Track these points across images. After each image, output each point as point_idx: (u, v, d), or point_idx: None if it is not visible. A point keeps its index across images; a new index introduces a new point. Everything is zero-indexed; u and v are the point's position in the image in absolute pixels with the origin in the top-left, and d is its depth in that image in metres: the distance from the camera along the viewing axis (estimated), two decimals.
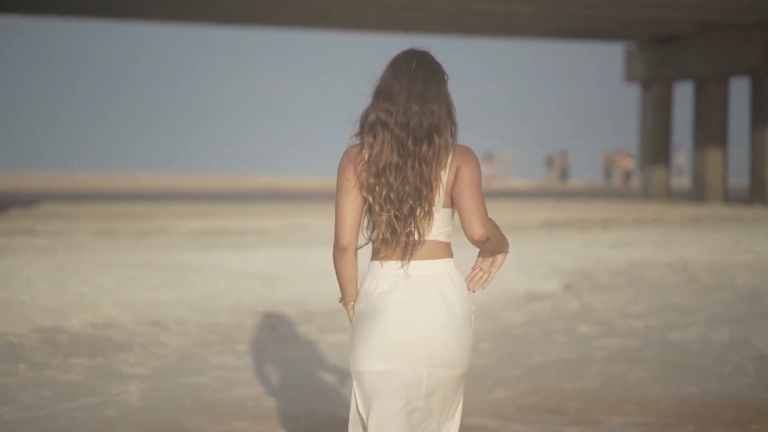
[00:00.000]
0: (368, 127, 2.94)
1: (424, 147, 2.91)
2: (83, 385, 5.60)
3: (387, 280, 2.94)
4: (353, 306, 3.01)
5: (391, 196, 2.90)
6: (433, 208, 2.93)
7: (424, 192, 2.91)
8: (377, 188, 2.91)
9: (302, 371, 6.13)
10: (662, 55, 25.84)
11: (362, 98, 3.00)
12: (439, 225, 2.96)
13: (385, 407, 2.89)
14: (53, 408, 5.12)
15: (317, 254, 11.24)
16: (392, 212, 2.90)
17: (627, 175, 40.82)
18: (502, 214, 18.30)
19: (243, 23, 25.60)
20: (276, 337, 7.13)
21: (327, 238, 13.76)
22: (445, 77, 2.98)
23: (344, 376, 6.04)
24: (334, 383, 5.87)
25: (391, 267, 2.95)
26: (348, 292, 3.00)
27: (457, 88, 3.01)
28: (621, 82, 27.51)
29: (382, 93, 2.94)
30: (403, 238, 2.93)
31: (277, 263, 10.33)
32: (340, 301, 3.02)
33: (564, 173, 42.74)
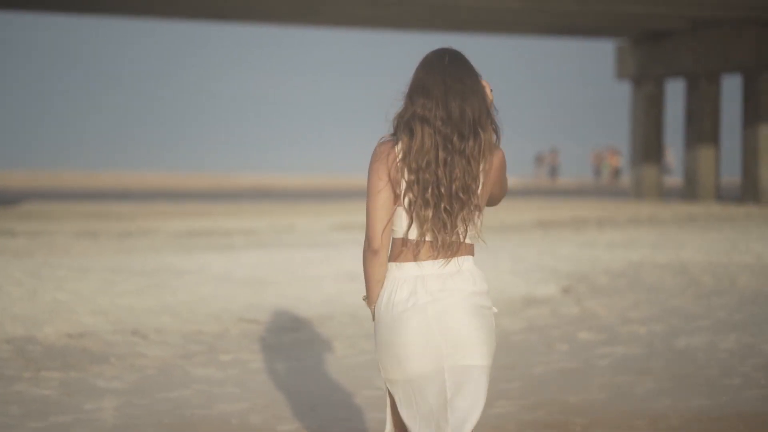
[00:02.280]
0: (404, 124, 2.91)
1: (471, 142, 2.91)
2: (55, 401, 5.23)
3: (406, 284, 2.94)
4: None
5: (442, 190, 2.88)
6: (481, 206, 2.96)
7: (473, 187, 2.92)
8: (418, 184, 2.89)
9: (291, 384, 5.78)
10: (653, 52, 25.60)
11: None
12: (473, 226, 2.98)
13: (414, 410, 2.93)
14: (21, 428, 4.76)
15: (306, 256, 10.89)
16: (442, 206, 2.88)
17: (616, 173, 40.69)
18: (493, 213, 18.01)
19: (232, 19, 25.29)
20: (263, 346, 6.77)
21: (316, 239, 13.43)
22: (478, 74, 2.98)
23: (336, 389, 5.69)
24: (325, 398, 5.52)
25: (408, 269, 2.94)
26: (375, 292, 2.99)
27: None
28: (612, 79, 27.27)
29: (417, 91, 2.92)
30: (451, 236, 2.91)
31: (264, 266, 9.97)
32: (364, 299, 3.02)
33: (553, 171, 42.58)
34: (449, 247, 2.93)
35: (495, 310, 3.03)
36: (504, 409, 5.28)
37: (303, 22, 25.84)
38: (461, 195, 2.89)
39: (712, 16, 23.18)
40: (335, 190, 33.19)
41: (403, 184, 2.91)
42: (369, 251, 2.94)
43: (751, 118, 23.90)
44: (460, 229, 2.92)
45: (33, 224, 15.26)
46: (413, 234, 2.93)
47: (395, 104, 2.95)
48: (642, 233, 14.97)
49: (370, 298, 3.00)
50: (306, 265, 10.13)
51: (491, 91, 3.01)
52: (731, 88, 25.51)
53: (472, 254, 2.99)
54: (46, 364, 5.97)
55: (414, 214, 2.91)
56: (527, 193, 30.26)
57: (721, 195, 25.31)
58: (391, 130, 2.96)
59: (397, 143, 2.93)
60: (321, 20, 25.10)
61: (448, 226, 2.90)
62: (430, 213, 2.89)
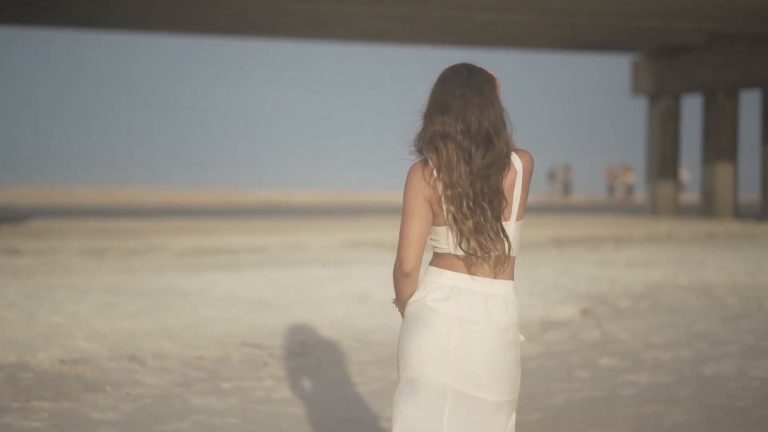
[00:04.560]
0: (427, 144, 2.92)
1: (487, 154, 2.90)
2: None
3: (441, 289, 2.94)
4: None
5: (470, 204, 2.90)
6: (507, 220, 2.94)
7: (495, 200, 2.92)
8: (456, 198, 2.91)
9: (295, 415, 5.43)
10: (670, 67, 25.25)
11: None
12: (514, 239, 2.96)
13: (412, 411, 2.89)
14: None
15: (314, 276, 10.53)
16: (477, 219, 2.90)
17: (630, 189, 40.32)
18: None
19: (240, 34, 25.13)
20: (267, 373, 6.42)
21: (325, 258, 13.09)
22: (497, 83, 2.98)
23: (344, 421, 5.33)
24: (331, 430, 5.15)
25: (448, 277, 2.94)
26: (404, 299, 3.01)
27: None
28: (627, 94, 26.92)
29: (435, 108, 2.94)
30: (491, 249, 2.91)
31: (271, 286, 9.62)
32: (393, 302, 3.05)
33: (566, 188, 42.22)
34: (494, 263, 2.93)
35: (522, 338, 2.99)
36: None
37: (312, 37, 25.65)
38: (486, 207, 2.90)
39: (730, 30, 22.83)
40: (346, 206, 32.89)
41: (443, 201, 2.92)
42: (400, 273, 2.95)
43: None
44: (496, 242, 2.92)
45: (39, 242, 14.98)
46: (456, 248, 2.94)
47: (412, 125, 2.97)
48: (660, 252, 14.59)
49: (399, 302, 3.02)
50: (314, 285, 9.78)
51: (500, 84, 3.01)
52: (749, 103, 25.13)
53: (512, 278, 2.98)
54: (37, 393, 5.63)
55: (457, 229, 2.92)
56: (540, 209, 29.90)
57: (739, 212, 24.89)
58: (410, 151, 2.97)
59: (426, 162, 2.94)
60: (330, 35, 24.88)
61: (486, 239, 2.91)
62: (471, 224, 2.90)
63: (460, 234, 2.91)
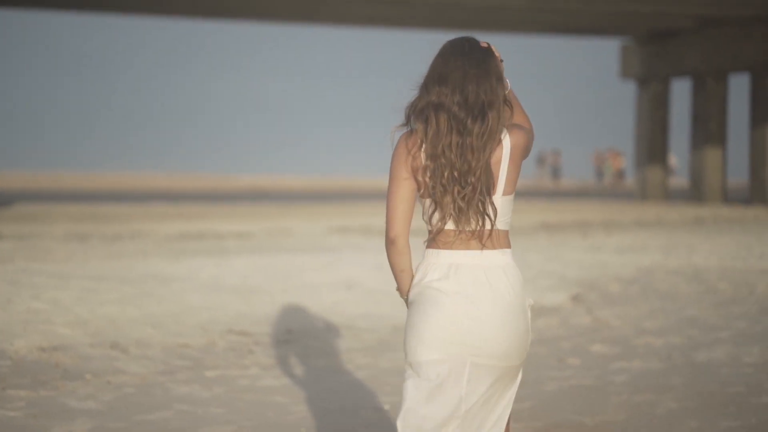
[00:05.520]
0: (417, 113, 2.90)
1: (479, 125, 2.87)
2: (20, 424, 4.74)
3: (439, 269, 2.93)
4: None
5: (455, 174, 2.87)
6: (493, 194, 2.91)
7: (484, 174, 2.88)
8: (438, 170, 2.88)
9: (282, 404, 5.30)
10: (659, 51, 25.14)
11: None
12: (501, 212, 2.95)
13: (423, 395, 2.88)
14: None
15: (302, 262, 10.39)
16: (455, 191, 2.87)
17: (620, 174, 40.29)
18: None
19: (229, 17, 24.90)
20: (252, 361, 6.28)
21: (312, 244, 12.94)
22: (500, 60, 2.96)
23: (331, 410, 5.20)
24: (319, 419, 5.03)
25: (445, 256, 2.93)
26: (402, 282, 3.00)
27: None
28: (616, 78, 26.82)
29: (433, 79, 2.90)
30: (473, 223, 2.89)
31: (257, 273, 9.47)
32: (397, 291, 3.04)
33: (555, 172, 42.18)
34: (479, 236, 2.91)
35: (531, 301, 2.99)
36: None
37: (302, 21, 25.43)
38: (472, 179, 2.87)
39: (719, 14, 22.72)
40: (334, 192, 32.73)
41: (426, 172, 2.90)
42: (387, 240, 2.96)
43: (758, 118, 23.44)
44: (478, 216, 2.90)
45: (22, 226, 14.78)
46: (438, 222, 2.92)
47: (406, 96, 2.93)
48: (650, 236, 14.51)
49: (400, 289, 3.01)
50: (301, 272, 9.64)
51: (502, 61, 2.99)
52: (738, 87, 25.05)
53: (509, 246, 2.96)
54: (14, 381, 5.48)
55: (435, 201, 2.90)
56: (529, 194, 29.82)
57: (727, 197, 24.85)
58: (402, 121, 2.93)
59: (412, 132, 2.92)
60: (321, 18, 24.67)
61: (466, 213, 2.89)
62: (449, 199, 2.88)
63: (440, 207, 2.90)
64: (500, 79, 2.94)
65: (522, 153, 2.97)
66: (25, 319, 6.68)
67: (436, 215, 2.92)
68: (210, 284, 8.64)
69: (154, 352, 6.28)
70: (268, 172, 48.36)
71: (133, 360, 6.05)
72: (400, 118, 2.94)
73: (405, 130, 2.94)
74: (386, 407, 5.29)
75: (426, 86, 2.91)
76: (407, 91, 2.93)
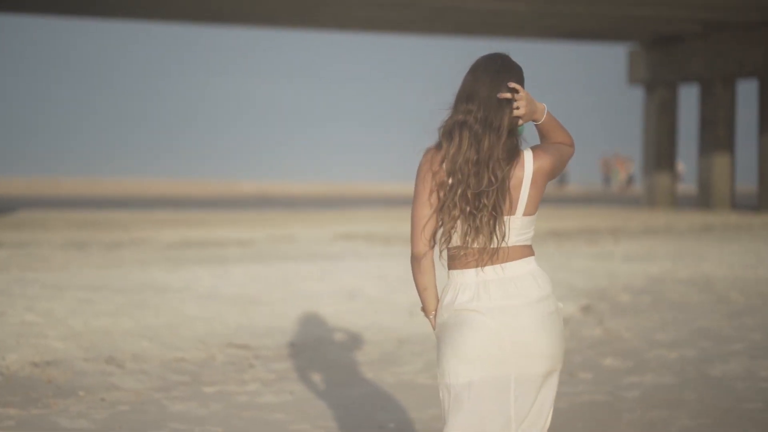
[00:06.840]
0: (446, 131, 2.92)
1: (499, 145, 2.87)
2: None
3: (468, 289, 2.94)
4: (434, 316, 3.01)
5: (468, 194, 2.88)
6: (510, 215, 2.91)
7: (499, 194, 2.88)
8: (453, 187, 2.89)
9: (281, 422, 5.09)
10: (666, 57, 24.92)
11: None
12: (518, 232, 2.94)
13: (469, 418, 2.88)
14: None
15: (303, 271, 10.17)
16: (468, 210, 2.87)
17: (629, 180, 40.07)
18: None
19: (231, 22, 24.75)
20: (252, 376, 6.07)
21: (315, 251, 12.72)
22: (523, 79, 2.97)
23: (333, 429, 4.99)
24: None
25: (470, 275, 2.94)
26: (426, 300, 3.00)
27: (448, 91, 3.02)
28: (623, 84, 26.60)
29: (462, 97, 2.94)
30: (482, 240, 2.89)
31: (257, 282, 9.25)
32: (421, 310, 3.04)
33: (562, 178, 42.00)
34: (483, 254, 2.90)
35: (561, 306, 3.01)
36: None
37: (303, 25, 25.28)
38: (485, 201, 2.88)
39: (726, 19, 22.50)
40: (338, 198, 32.53)
41: (445, 188, 2.91)
42: (411, 257, 2.98)
43: (767, 124, 23.20)
44: (493, 237, 2.90)
45: (21, 234, 14.58)
46: (458, 240, 2.92)
47: (440, 114, 2.95)
48: (659, 244, 14.29)
49: (425, 308, 3.01)
50: (303, 281, 9.42)
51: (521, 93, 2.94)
52: (747, 93, 24.81)
53: (533, 254, 2.97)
54: (4, 398, 5.27)
55: (444, 217, 2.91)
56: None
57: (736, 203, 24.61)
58: (436, 141, 2.94)
59: (438, 148, 2.94)
60: (321, 23, 24.51)
61: (479, 229, 2.89)
62: (456, 213, 2.89)
63: (455, 225, 2.91)
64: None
65: (546, 177, 2.95)
66: (18, 332, 6.47)
67: (452, 233, 2.91)
68: (209, 294, 8.43)
69: (150, 366, 6.07)
70: (273, 178, 48.18)
71: (128, 375, 5.84)
72: (430, 136, 2.96)
73: (433, 146, 2.96)
74: (391, 425, 5.08)
75: (456, 104, 2.94)
76: (435, 108, 2.96)
